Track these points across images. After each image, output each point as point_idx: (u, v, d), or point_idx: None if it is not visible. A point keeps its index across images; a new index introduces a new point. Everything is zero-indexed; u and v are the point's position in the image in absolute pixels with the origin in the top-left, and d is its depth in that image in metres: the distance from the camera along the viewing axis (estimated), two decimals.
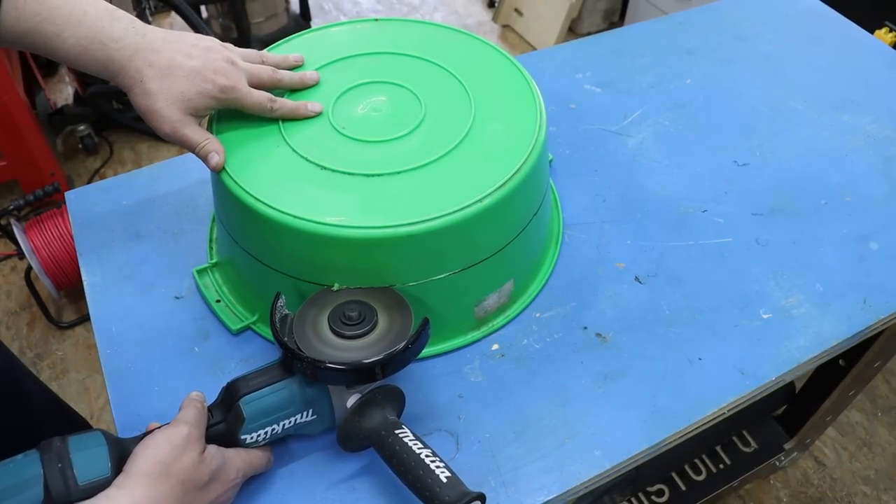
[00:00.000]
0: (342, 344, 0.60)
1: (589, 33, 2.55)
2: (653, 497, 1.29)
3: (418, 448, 0.58)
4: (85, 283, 0.79)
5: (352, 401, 0.61)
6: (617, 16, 2.63)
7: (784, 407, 1.38)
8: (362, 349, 0.60)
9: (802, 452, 1.47)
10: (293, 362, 0.59)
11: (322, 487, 0.64)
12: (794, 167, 0.93)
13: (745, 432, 1.38)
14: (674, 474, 1.32)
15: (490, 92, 0.76)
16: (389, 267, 0.65)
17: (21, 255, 1.75)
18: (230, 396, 0.60)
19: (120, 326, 0.75)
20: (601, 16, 2.59)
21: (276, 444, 0.65)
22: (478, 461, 0.65)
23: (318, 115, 0.72)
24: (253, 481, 0.63)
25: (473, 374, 0.71)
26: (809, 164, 0.94)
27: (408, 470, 0.57)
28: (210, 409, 0.61)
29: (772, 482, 1.50)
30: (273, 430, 0.60)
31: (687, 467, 1.32)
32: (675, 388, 0.71)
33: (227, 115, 0.72)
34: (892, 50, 1.12)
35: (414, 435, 0.59)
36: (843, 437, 1.57)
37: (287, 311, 0.64)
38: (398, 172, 0.67)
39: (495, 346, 0.74)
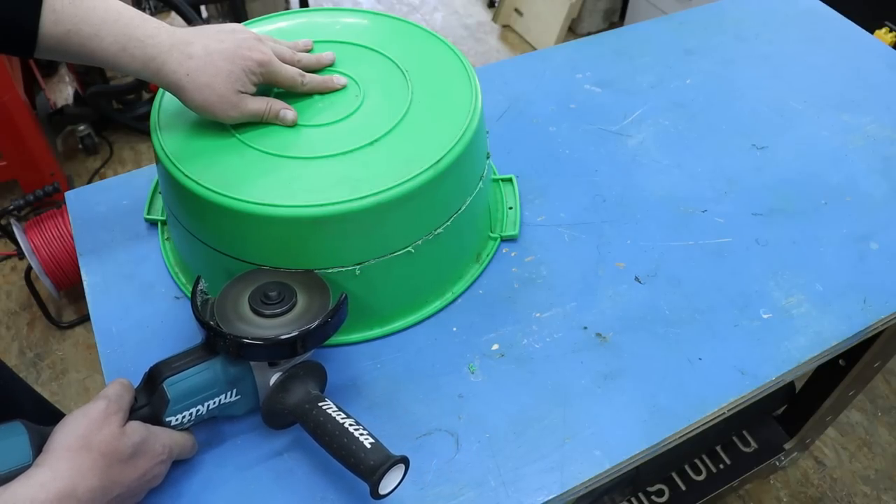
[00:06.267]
0: (263, 322, 0.61)
1: (589, 33, 2.55)
2: (653, 497, 1.29)
3: (342, 418, 0.59)
4: (85, 283, 0.79)
5: (274, 379, 0.62)
6: (617, 16, 2.63)
7: (784, 407, 1.38)
8: (282, 326, 0.61)
9: (802, 452, 1.47)
10: (216, 341, 0.60)
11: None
12: (794, 167, 0.93)
13: (745, 432, 1.38)
14: (674, 474, 1.32)
15: (427, 74, 0.77)
16: (396, 231, 0.68)
17: (21, 255, 1.75)
18: (153, 379, 0.60)
19: (120, 326, 0.75)
20: (601, 16, 2.59)
21: (202, 428, 0.66)
22: (478, 461, 0.65)
23: (344, 87, 0.76)
24: (179, 466, 0.64)
25: (473, 374, 0.71)
26: (809, 164, 0.94)
27: (332, 439, 0.58)
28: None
29: (772, 482, 1.50)
30: (198, 411, 0.61)
31: (687, 467, 1.32)
32: (675, 388, 0.71)
33: (173, 118, 0.73)
34: (892, 50, 1.12)
35: (337, 406, 0.61)
36: (843, 437, 1.57)
37: (209, 296, 0.65)
38: (341, 154, 0.69)
39: (495, 346, 0.74)
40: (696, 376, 0.72)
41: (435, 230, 0.71)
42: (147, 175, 0.90)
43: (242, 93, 0.68)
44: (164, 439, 0.59)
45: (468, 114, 0.73)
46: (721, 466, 1.33)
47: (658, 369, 0.72)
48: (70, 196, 0.88)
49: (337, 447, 0.58)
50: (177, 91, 0.67)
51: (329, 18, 0.85)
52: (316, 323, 0.60)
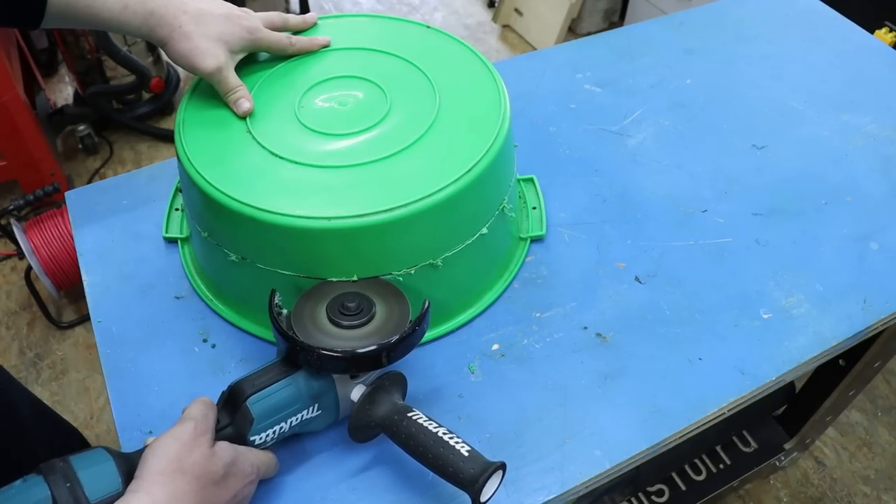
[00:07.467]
0: (344, 334, 0.60)
1: (589, 33, 2.55)
2: (653, 497, 1.29)
3: (434, 427, 0.58)
4: (85, 283, 0.79)
5: (356, 391, 0.61)
6: (617, 16, 2.63)
7: (784, 407, 1.38)
8: (364, 338, 0.60)
9: (802, 452, 1.47)
10: (300, 355, 0.59)
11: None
12: (794, 167, 0.93)
13: (745, 432, 1.38)
14: (674, 474, 1.32)
15: (455, 87, 0.76)
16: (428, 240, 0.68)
17: (21, 255, 1.76)
18: (236, 398, 0.59)
19: (120, 326, 0.75)
20: (601, 16, 2.59)
21: (281, 446, 0.65)
22: None
23: (327, 46, 0.80)
24: (262, 486, 0.63)
25: (473, 374, 0.71)
26: (809, 164, 0.94)
27: (427, 450, 0.57)
28: None
29: (772, 482, 1.50)
30: (281, 428, 0.60)
31: (687, 467, 1.32)
32: (675, 388, 0.71)
33: (196, 116, 0.74)
34: (892, 50, 1.12)
35: (426, 416, 0.59)
36: (843, 437, 1.57)
37: (283, 310, 0.64)
38: (367, 163, 0.68)
39: (495, 346, 0.74)
40: (696, 376, 0.72)
41: (475, 235, 0.72)
42: (147, 175, 0.90)
43: (228, 53, 0.72)
44: (252, 459, 0.58)
45: (498, 118, 0.72)
46: (721, 466, 1.33)
47: (658, 369, 0.72)
48: (70, 196, 0.88)
49: (433, 458, 0.57)
50: (167, 41, 0.70)
51: (350, 24, 0.84)
52: (405, 332, 0.59)
